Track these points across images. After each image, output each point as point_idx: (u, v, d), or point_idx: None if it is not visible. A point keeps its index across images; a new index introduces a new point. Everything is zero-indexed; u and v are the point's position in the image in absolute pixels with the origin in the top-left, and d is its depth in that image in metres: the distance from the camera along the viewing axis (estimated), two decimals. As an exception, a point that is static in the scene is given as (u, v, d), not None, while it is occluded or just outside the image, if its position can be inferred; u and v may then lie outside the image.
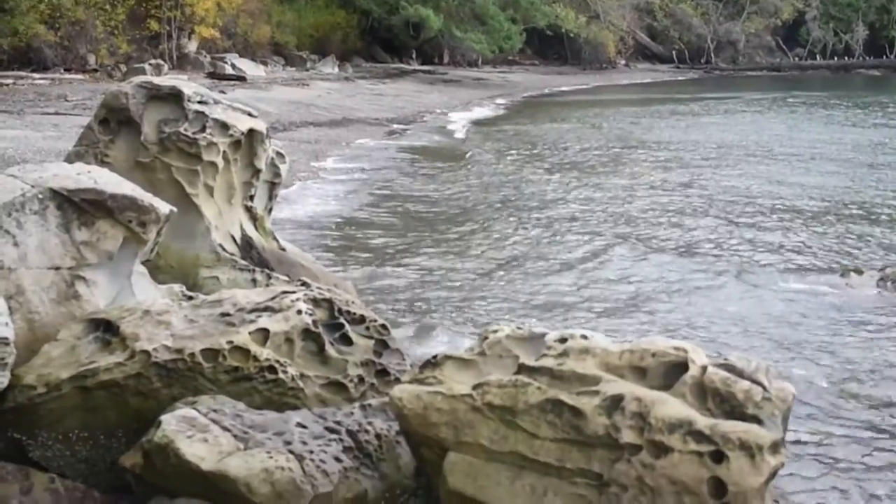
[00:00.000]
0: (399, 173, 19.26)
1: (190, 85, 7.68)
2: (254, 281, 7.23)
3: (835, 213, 15.15)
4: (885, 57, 75.80)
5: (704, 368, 3.85)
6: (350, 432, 4.51)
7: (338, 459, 4.36)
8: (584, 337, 4.12)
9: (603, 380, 3.93)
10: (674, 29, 74.51)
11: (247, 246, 7.68)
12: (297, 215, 14.01)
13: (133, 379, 4.85)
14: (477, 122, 31.68)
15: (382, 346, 5.27)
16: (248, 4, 43.49)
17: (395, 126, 28.70)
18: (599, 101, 42.54)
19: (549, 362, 4.04)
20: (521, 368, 4.08)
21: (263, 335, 4.98)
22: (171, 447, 4.27)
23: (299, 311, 5.12)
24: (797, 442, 6.43)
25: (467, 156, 22.16)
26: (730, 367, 3.86)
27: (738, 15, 76.52)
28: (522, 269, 11.41)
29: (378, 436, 4.53)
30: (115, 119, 7.38)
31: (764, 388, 3.78)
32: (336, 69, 46.83)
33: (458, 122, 31.31)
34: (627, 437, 3.78)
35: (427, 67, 53.37)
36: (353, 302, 5.46)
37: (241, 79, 35.94)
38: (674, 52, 73.92)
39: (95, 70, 34.51)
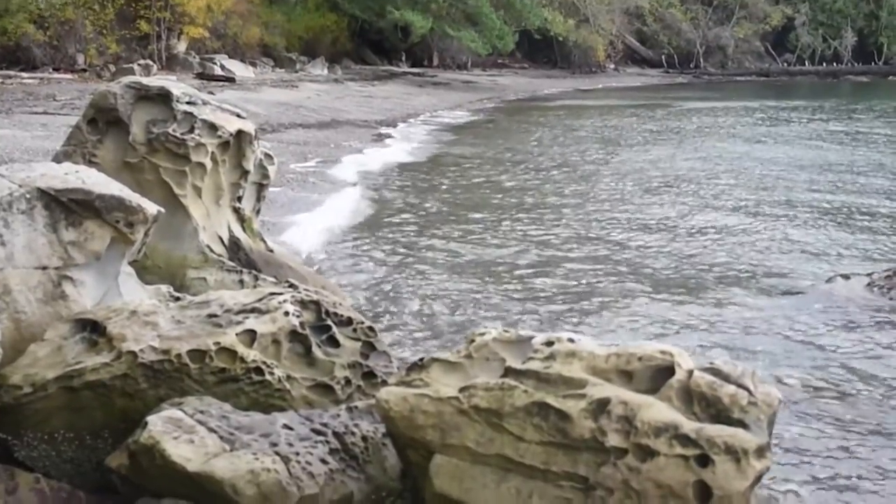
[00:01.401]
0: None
1: (179, 85, 7.68)
2: (241, 282, 7.23)
3: (821, 219, 15.17)
4: (873, 63, 76.11)
5: (690, 372, 3.86)
6: (336, 434, 4.51)
7: (324, 461, 4.36)
8: (571, 340, 4.12)
9: (589, 383, 3.93)
10: (663, 33, 74.67)
11: (234, 247, 7.69)
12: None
13: (119, 379, 4.85)
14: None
15: (369, 348, 5.27)
16: (238, 6, 43.44)
17: (383, 129, 28.65)
18: (585, 105, 42.54)
19: (535, 365, 4.04)
20: (508, 371, 4.08)
21: (250, 336, 4.98)
22: (158, 448, 4.26)
23: (286, 313, 5.12)
24: (782, 445, 6.45)
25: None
26: (716, 372, 3.87)
27: (727, 20, 76.72)
28: (512, 274, 11.42)
29: (364, 438, 4.54)
30: (103, 119, 7.38)
31: (750, 392, 3.79)
32: (325, 71, 46.83)
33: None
34: (613, 440, 3.79)
35: (416, 70, 53.40)
36: (340, 304, 5.46)
37: (230, 80, 35.91)
38: (663, 57, 74.09)
39: (84, 70, 34.46)
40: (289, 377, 4.99)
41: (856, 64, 76.21)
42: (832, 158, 23.13)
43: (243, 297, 5.30)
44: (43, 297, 5.34)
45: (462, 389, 4.07)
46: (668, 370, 3.90)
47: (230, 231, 7.70)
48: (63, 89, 28.29)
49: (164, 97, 7.37)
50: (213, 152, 7.36)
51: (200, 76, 35.71)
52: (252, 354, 4.92)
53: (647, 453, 3.74)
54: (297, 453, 4.33)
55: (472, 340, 4.30)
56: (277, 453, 4.29)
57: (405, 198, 17.09)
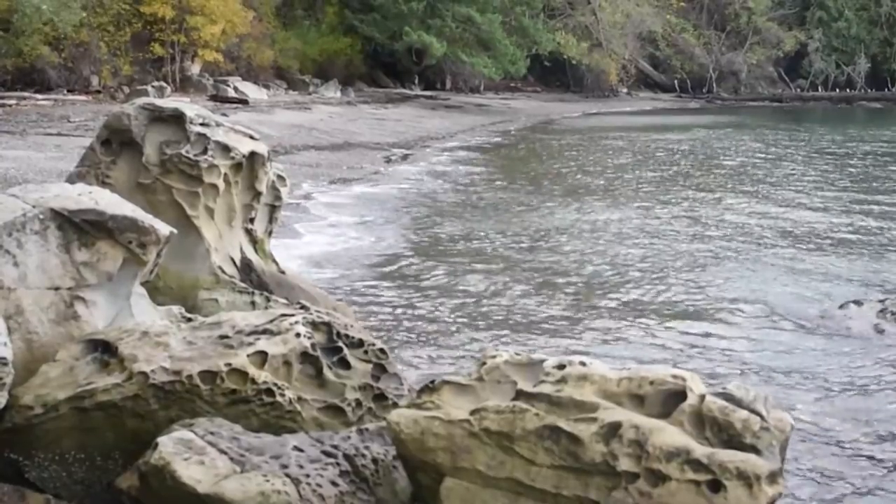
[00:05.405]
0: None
1: (192, 107, 7.70)
2: (253, 303, 7.23)
3: (834, 244, 15.13)
4: (886, 90, 75.90)
5: (703, 397, 3.84)
6: (347, 456, 4.50)
7: (334, 483, 4.35)
8: (583, 364, 4.11)
9: (601, 407, 3.92)
10: (676, 58, 74.59)
11: (246, 268, 7.69)
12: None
13: (130, 400, 4.85)
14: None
15: (380, 370, 5.26)
16: (253, 29, 43.58)
17: (395, 150, 28.66)
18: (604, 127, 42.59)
19: (547, 388, 4.03)
20: (519, 394, 4.07)
21: (261, 358, 4.98)
22: (168, 469, 4.26)
23: (298, 335, 5.12)
24: (795, 472, 6.42)
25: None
26: (728, 397, 3.85)
27: (740, 45, 76.62)
28: (523, 298, 11.41)
29: (375, 460, 4.53)
30: (117, 140, 7.40)
31: (762, 417, 3.77)
32: (338, 93, 46.92)
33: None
34: (625, 464, 3.77)
35: (429, 93, 53.40)
36: (351, 325, 5.46)
37: (243, 102, 36.01)
38: (676, 82, 74.01)
39: (98, 91, 34.57)
40: (300, 399, 4.99)
41: (869, 90, 76.00)
42: (844, 183, 23.11)
43: (255, 319, 5.31)
44: (55, 317, 5.34)
45: (473, 412, 4.06)
46: (680, 394, 3.89)
47: (242, 252, 7.70)
48: (77, 111, 28.41)
49: (177, 118, 7.39)
50: (225, 174, 7.37)
51: (214, 98, 35.80)
52: (263, 376, 4.92)
53: (659, 478, 3.72)
54: (308, 475, 4.32)
55: (484, 363, 4.29)
56: (288, 475, 4.28)
57: (416, 222, 17.12)
